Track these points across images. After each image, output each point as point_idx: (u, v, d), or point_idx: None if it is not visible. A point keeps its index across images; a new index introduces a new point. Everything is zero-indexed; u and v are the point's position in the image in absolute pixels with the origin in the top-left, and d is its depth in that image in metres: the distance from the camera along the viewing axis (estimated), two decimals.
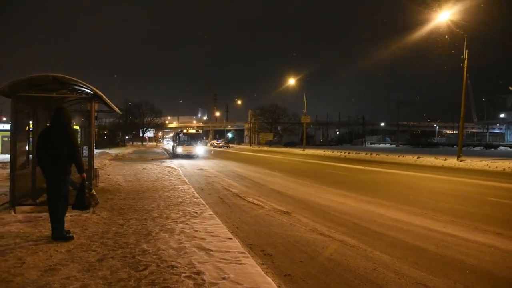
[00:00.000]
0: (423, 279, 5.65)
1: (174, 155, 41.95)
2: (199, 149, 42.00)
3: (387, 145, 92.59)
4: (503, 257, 6.65)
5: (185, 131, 45.21)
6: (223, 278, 5.05)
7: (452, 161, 29.04)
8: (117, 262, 5.68)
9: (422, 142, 79.27)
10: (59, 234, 6.82)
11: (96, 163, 19.41)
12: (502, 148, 57.95)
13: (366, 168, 26.49)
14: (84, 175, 7.28)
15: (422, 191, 14.84)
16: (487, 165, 26.19)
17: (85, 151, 11.81)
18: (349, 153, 46.45)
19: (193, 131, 46.44)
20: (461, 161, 28.64)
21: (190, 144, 41.14)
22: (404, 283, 5.54)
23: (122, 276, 5.16)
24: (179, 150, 40.25)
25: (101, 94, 9.83)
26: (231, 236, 7.23)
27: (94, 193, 7.62)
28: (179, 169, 22.99)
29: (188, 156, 39.32)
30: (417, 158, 33.35)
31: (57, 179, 6.90)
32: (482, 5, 28.41)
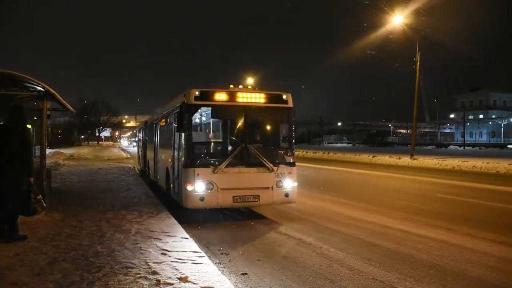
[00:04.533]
0: (376, 274, 5.81)
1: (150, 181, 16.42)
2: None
3: (344, 144, 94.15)
4: (450, 251, 6.94)
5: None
6: (179, 278, 5.00)
7: (405, 160, 29.99)
8: (69, 265, 5.50)
9: (378, 142, 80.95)
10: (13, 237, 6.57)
11: (50, 163, 18.82)
12: (452, 147, 60.28)
13: (324, 167, 26.97)
14: (32, 179, 6.97)
15: (377, 189, 15.26)
16: (438, 163, 27.24)
17: (37, 150, 11.38)
18: (306, 152, 47.03)
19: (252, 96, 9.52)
20: (414, 159, 29.65)
21: (241, 160, 9.14)
22: (357, 278, 5.67)
23: (74, 279, 4.99)
24: (194, 187, 8.76)
25: (54, 92, 9.50)
26: (188, 236, 7.18)
27: (41, 198, 7.27)
28: (135, 168, 22.56)
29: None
30: (373, 157, 34.27)
31: (8, 181, 6.60)
32: (435, 10, 29.45)
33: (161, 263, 5.60)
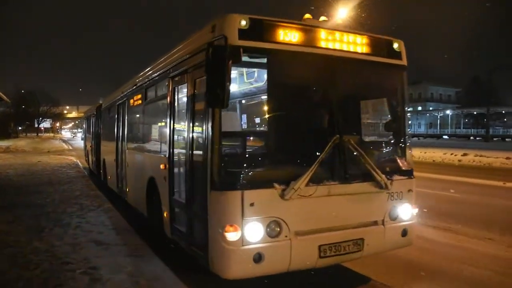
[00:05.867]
0: None
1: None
2: None
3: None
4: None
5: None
6: (121, 272, 4.96)
7: None
8: (4, 264, 5.30)
9: None
10: None
11: None
12: None
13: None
14: None
15: None
16: None
17: None
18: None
19: (348, 40, 5.17)
20: None
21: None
22: None
23: (10, 277, 4.83)
24: (242, 234, 4.28)
25: None
26: (130, 228, 7.10)
27: None
28: (78, 161, 21.86)
29: None
30: None
31: None
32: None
33: (102, 257, 5.54)
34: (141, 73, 8.42)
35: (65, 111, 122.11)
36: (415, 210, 5.43)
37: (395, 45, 5.50)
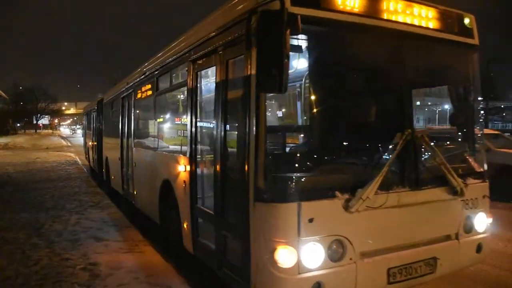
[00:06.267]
0: None
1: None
2: None
3: None
4: None
5: None
6: (121, 268, 4.94)
7: None
8: (2, 260, 5.26)
9: None
10: None
11: None
12: None
13: None
14: None
15: None
16: None
17: None
18: None
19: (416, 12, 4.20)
20: None
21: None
22: None
23: (9, 274, 4.80)
24: (297, 258, 3.30)
25: None
26: (130, 224, 7.08)
27: None
28: (77, 157, 21.82)
29: None
30: None
31: None
32: None
33: (102, 253, 5.52)
34: (151, 60, 7.36)
35: (63, 108, 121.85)
36: (490, 220, 4.45)
37: (466, 21, 4.52)
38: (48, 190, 10.61)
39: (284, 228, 3.29)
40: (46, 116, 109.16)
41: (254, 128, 3.39)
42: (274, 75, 3.02)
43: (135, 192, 8.06)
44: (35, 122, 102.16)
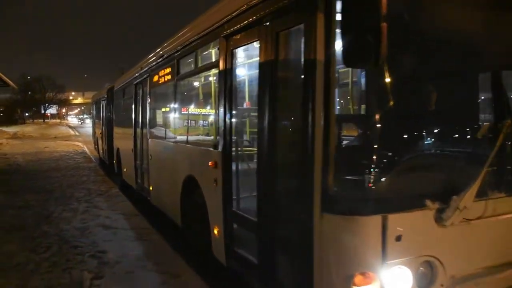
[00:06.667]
0: None
1: None
2: None
3: None
4: None
5: None
6: (128, 255, 5.00)
7: None
8: (13, 247, 5.34)
9: None
10: None
11: None
12: None
13: None
14: None
15: None
16: None
17: None
18: None
19: None
20: None
21: None
22: None
23: (20, 260, 4.88)
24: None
25: None
26: (138, 213, 7.14)
27: None
28: (84, 146, 21.96)
29: None
30: None
31: None
32: None
33: (110, 241, 5.57)
34: (170, 41, 6.38)
35: (71, 97, 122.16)
36: None
37: None
38: (56, 179, 10.72)
39: (365, 249, 2.53)
40: (54, 106, 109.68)
41: (322, 119, 2.60)
42: (366, 44, 2.15)
43: (151, 188, 7.35)
44: (43, 111, 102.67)
